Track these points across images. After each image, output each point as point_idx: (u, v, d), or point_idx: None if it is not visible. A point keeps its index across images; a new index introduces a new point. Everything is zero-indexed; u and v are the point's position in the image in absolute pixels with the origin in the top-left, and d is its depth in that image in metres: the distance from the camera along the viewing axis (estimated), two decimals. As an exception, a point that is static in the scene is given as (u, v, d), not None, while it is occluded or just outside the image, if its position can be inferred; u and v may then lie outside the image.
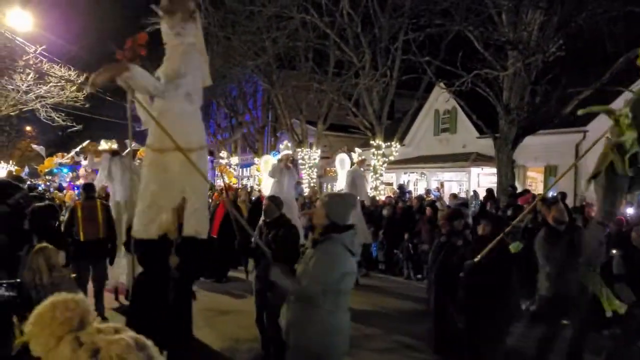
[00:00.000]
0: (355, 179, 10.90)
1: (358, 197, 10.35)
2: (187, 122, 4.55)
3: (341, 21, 18.39)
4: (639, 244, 5.92)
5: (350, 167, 11.30)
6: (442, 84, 17.34)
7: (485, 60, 13.81)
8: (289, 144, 12.70)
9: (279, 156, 9.98)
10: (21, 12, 16.47)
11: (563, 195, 11.99)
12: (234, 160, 33.33)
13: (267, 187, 10.05)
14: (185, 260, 4.41)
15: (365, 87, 18.44)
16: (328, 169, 26.53)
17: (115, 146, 9.22)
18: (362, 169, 11.43)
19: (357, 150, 11.71)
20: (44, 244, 4.30)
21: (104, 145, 9.37)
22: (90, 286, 7.45)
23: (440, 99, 19.97)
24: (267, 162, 10.71)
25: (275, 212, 5.58)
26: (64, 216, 8.06)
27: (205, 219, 4.63)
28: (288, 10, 18.07)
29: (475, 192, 17.10)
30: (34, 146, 19.32)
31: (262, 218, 5.72)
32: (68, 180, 20.87)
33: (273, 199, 5.84)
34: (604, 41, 12.37)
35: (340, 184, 11.34)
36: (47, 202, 7.49)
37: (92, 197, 7.67)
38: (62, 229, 7.15)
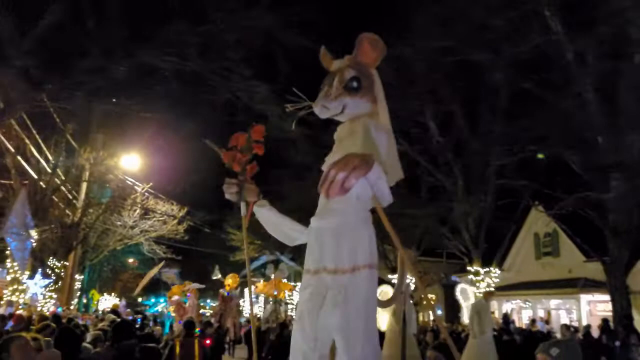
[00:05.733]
0: (481, 312, 10.36)
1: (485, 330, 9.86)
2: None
3: (432, 148, 18.90)
4: None
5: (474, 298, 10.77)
6: (540, 207, 16.87)
7: (587, 182, 13.47)
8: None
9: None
10: (131, 155, 18.97)
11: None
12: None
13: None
14: None
15: (460, 213, 18.36)
16: (424, 296, 25.70)
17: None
18: (488, 302, 10.85)
19: (488, 280, 11.25)
20: None
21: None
22: None
23: (540, 221, 19.28)
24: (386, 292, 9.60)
25: None
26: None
27: None
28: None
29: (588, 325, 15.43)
30: (165, 270, 20.20)
31: None
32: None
33: None
34: None
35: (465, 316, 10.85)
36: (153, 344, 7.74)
37: (191, 334, 7.87)
38: None
